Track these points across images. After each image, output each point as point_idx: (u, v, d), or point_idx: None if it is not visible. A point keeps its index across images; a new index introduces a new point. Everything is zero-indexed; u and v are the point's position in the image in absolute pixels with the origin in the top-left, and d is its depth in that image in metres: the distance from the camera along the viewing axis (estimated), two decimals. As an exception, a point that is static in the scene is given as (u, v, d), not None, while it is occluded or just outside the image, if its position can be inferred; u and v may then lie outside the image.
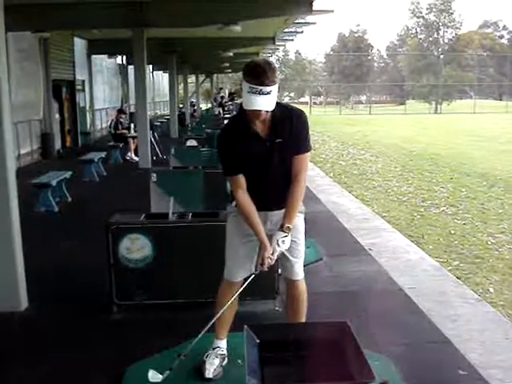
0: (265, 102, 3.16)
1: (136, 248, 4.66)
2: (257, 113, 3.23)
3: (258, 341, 1.86)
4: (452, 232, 8.60)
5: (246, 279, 3.58)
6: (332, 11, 16.59)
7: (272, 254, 3.38)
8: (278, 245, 3.40)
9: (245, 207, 3.46)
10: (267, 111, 3.25)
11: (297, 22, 18.49)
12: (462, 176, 14.59)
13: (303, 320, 3.81)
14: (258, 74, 3.12)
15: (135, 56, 13.72)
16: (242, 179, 3.45)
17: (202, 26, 13.36)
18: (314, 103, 73.94)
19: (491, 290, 6.01)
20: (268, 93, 3.14)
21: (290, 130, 3.40)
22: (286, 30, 20.90)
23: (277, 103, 3.40)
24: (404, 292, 5.23)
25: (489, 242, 8.02)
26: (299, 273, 3.76)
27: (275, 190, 3.49)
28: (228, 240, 3.70)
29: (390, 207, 10.48)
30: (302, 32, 22.66)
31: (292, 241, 3.51)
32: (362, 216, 8.65)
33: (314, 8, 13.47)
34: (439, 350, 4.10)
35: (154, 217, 5.01)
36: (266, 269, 3.41)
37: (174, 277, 4.71)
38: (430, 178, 14.33)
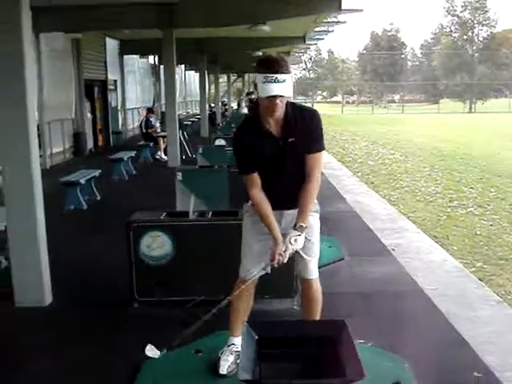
0: (281, 88, 3.21)
1: (156, 245, 4.75)
2: (273, 103, 3.26)
3: (256, 337, 1.91)
4: (478, 233, 8.50)
5: (260, 276, 3.63)
6: (361, 10, 16.66)
7: (284, 251, 3.42)
8: (291, 243, 3.43)
9: (260, 205, 3.50)
10: (282, 105, 3.30)
11: (327, 21, 18.46)
12: (493, 176, 14.37)
13: (318, 318, 3.84)
14: (272, 64, 3.22)
15: (164, 56, 13.89)
16: (256, 178, 3.50)
17: (230, 25, 13.45)
18: (347, 102, 73.60)
19: (514, 292, 5.95)
20: (283, 81, 3.20)
21: (302, 129, 3.43)
22: (316, 29, 20.88)
23: (290, 103, 3.45)
24: (424, 293, 5.21)
25: (515, 244, 7.92)
26: (313, 272, 3.78)
27: (289, 188, 3.52)
28: (244, 238, 3.75)
29: (416, 207, 10.40)
30: (332, 31, 22.60)
31: (306, 239, 3.54)
32: (387, 216, 8.62)
33: (343, 7, 13.49)
34: (455, 352, 4.08)
35: (175, 215, 5.09)
36: (275, 265, 3.43)
37: (194, 274, 4.78)
38: (459, 178, 14.16)
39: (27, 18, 4.80)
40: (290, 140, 3.44)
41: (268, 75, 3.19)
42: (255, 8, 12.43)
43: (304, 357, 1.90)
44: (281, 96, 3.23)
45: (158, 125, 16.25)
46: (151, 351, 3.11)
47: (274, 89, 3.20)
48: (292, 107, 3.44)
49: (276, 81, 3.18)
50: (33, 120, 4.91)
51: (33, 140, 4.87)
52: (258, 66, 3.27)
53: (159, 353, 3.13)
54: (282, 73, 3.20)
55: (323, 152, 3.58)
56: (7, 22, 4.67)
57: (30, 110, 4.82)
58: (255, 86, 3.32)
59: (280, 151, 3.45)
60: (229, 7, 12.21)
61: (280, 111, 3.33)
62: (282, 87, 3.21)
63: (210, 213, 5.05)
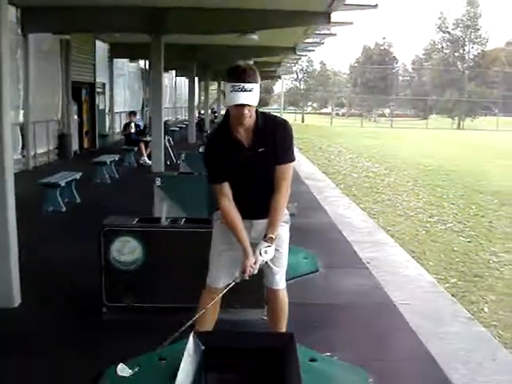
0: (247, 97, 3.21)
1: (127, 251, 4.71)
2: (240, 112, 3.26)
3: (203, 347, 1.88)
4: (455, 249, 8.52)
5: (227, 286, 3.61)
6: (351, 23, 16.64)
7: (254, 263, 3.41)
8: (261, 254, 3.43)
9: (229, 215, 3.48)
10: (250, 115, 3.30)
11: (317, 32, 18.53)
12: (474, 193, 14.45)
13: (284, 329, 3.83)
14: (239, 73, 3.22)
15: (152, 61, 13.91)
16: (226, 187, 3.48)
17: (219, 33, 13.48)
18: (337, 114, 73.90)
19: (485, 309, 5.94)
20: (250, 90, 3.20)
21: (273, 139, 3.43)
22: (306, 41, 20.95)
23: (261, 113, 3.45)
24: (396, 307, 5.21)
25: (491, 261, 7.93)
26: (280, 282, 3.77)
27: (259, 198, 3.51)
28: (212, 246, 3.73)
29: (395, 221, 10.42)
30: (323, 43, 22.70)
31: (275, 250, 3.53)
32: (366, 229, 8.63)
33: (333, 20, 13.56)
34: (422, 368, 4.08)
35: (147, 221, 5.05)
36: (246, 277, 3.43)
37: (163, 281, 4.73)
38: (441, 194, 14.20)
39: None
40: (260, 150, 3.43)
41: (235, 84, 3.19)
42: (243, 17, 12.47)
43: (249, 368, 1.88)
44: (248, 105, 3.23)
45: (132, 125, 16.25)
46: (122, 370, 3.07)
47: (241, 97, 3.20)
48: (263, 117, 3.44)
49: (243, 89, 3.18)
50: (7, 122, 4.84)
51: (6, 143, 4.80)
52: (226, 75, 3.27)
53: (130, 371, 3.10)
54: (250, 82, 3.20)
55: (293, 163, 3.57)
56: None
57: (5, 110, 4.75)
58: (223, 94, 3.32)
59: (250, 161, 3.45)
60: (217, 15, 12.24)
61: (248, 120, 3.32)
62: (249, 96, 3.21)
63: (183, 220, 5.02)
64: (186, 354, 1.77)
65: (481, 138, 38.58)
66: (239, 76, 3.20)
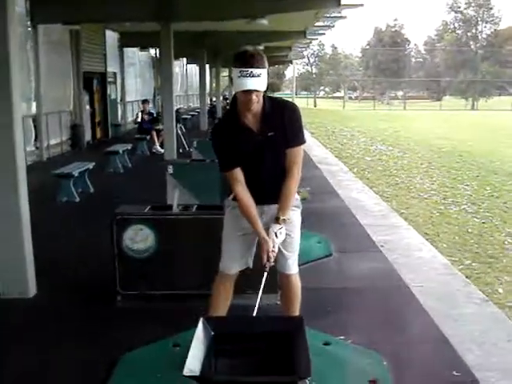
0: (255, 83, 3.19)
1: (139, 238, 4.73)
2: (248, 98, 3.23)
3: (212, 333, 1.89)
4: (469, 231, 8.48)
5: (244, 273, 3.63)
6: (362, 5, 16.52)
7: (273, 247, 3.42)
8: (276, 236, 3.44)
9: (243, 201, 3.48)
10: (258, 100, 3.28)
11: (327, 15, 18.40)
12: (489, 174, 14.33)
13: (297, 313, 3.84)
14: (247, 58, 3.20)
15: (162, 49, 13.88)
16: (239, 172, 3.47)
17: (228, 19, 13.41)
18: (350, 98, 73.56)
19: (500, 290, 5.92)
20: (258, 75, 3.18)
21: (281, 123, 3.41)
22: (317, 25, 20.82)
23: (269, 97, 3.43)
24: (409, 290, 5.19)
25: (506, 242, 7.88)
26: (292, 267, 3.77)
27: (270, 183, 3.51)
28: (225, 233, 3.73)
29: (409, 204, 10.37)
30: (333, 26, 22.53)
31: (287, 234, 3.53)
32: (380, 212, 8.59)
33: (342, 2, 13.45)
34: (436, 350, 4.07)
35: (159, 208, 5.07)
36: (272, 263, 3.44)
37: (176, 268, 4.76)
38: (455, 176, 14.12)
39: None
40: (269, 134, 3.42)
41: (243, 69, 3.17)
42: (253, 2, 12.39)
43: (259, 353, 1.89)
44: (256, 90, 3.21)
45: (139, 115, 16.33)
46: None
47: (249, 83, 3.18)
48: (270, 101, 3.42)
49: (251, 75, 3.16)
50: (18, 112, 4.86)
51: (18, 134, 4.82)
52: (234, 61, 3.25)
53: None
54: (258, 67, 3.18)
55: (303, 147, 3.56)
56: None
57: (15, 102, 4.76)
58: (231, 80, 3.31)
59: (259, 146, 3.44)
60: (226, 1, 12.18)
61: (256, 105, 3.30)
62: (257, 81, 3.19)
63: (195, 206, 5.03)
64: (195, 339, 1.77)
65: (495, 119, 38.20)
66: (247, 61, 3.18)
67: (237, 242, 3.66)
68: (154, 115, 16.58)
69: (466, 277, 5.90)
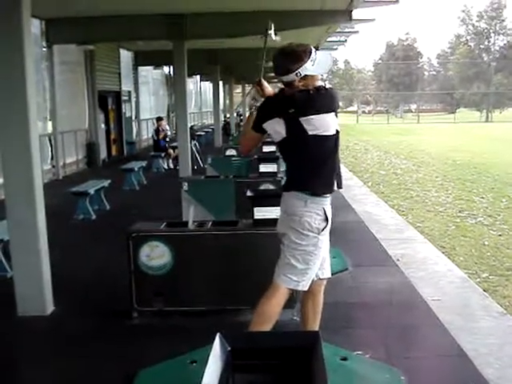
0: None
1: (155, 255, 4.76)
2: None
3: (229, 348, 1.91)
4: (486, 243, 8.42)
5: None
6: (373, 20, 16.54)
7: None
8: None
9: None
10: None
11: (340, 31, 18.47)
12: (505, 186, 14.23)
13: (317, 328, 3.84)
14: (309, 46, 3.56)
15: (176, 67, 13.95)
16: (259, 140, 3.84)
17: (240, 36, 13.48)
18: (363, 112, 73.47)
19: (519, 303, 5.87)
20: None
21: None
22: (329, 40, 20.90)
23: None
24: (426, 304, 5.16)
25: (523, 255, 7.83)
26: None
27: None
28: (304, 242, 3.57)
29: (425, 217, 10.33)
30: (345, 41, 22.61)
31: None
32: (395, 226, 8.56)
33: (354, 17, 13.49)
34: (454, 364, 4.04)
35: (175, 225, 5.10)
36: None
37: (193, 284, 4.78)
38: (470, 188, 14.04)
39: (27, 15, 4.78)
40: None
41: (313, 56, 3.49)
42: (266, 19, 12.45)
43: (275, 368, 1.89)
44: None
45: (167, 127, 16.61)
46: None
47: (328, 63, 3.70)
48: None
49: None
50: (34, 131, 4.92)
51: (34, 152, 4.88)
52: (300, 57, 3.50)
53: None
54: None
55: None
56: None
57: (31, 121, 4.84)
58: (300, 76, 3.49)
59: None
60: (239, 18, 12.27)
61: None
62: None
63: (210, 223, 5.05)
64: (211, 354, 1.79)
65: (510, 130, 37.94)
66: (310, 49, 3.52)
67: (321, 248, 3.66)
68: (167, 139, 16.66)
69: (483, 290, 5.86)
